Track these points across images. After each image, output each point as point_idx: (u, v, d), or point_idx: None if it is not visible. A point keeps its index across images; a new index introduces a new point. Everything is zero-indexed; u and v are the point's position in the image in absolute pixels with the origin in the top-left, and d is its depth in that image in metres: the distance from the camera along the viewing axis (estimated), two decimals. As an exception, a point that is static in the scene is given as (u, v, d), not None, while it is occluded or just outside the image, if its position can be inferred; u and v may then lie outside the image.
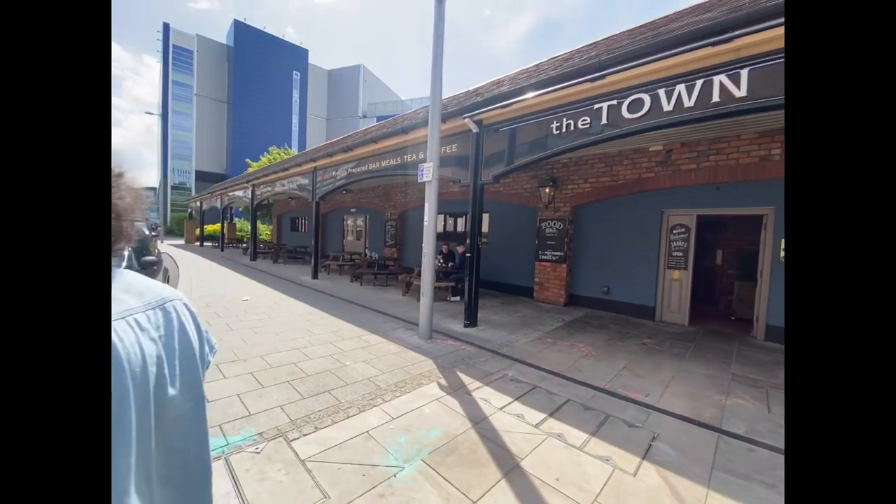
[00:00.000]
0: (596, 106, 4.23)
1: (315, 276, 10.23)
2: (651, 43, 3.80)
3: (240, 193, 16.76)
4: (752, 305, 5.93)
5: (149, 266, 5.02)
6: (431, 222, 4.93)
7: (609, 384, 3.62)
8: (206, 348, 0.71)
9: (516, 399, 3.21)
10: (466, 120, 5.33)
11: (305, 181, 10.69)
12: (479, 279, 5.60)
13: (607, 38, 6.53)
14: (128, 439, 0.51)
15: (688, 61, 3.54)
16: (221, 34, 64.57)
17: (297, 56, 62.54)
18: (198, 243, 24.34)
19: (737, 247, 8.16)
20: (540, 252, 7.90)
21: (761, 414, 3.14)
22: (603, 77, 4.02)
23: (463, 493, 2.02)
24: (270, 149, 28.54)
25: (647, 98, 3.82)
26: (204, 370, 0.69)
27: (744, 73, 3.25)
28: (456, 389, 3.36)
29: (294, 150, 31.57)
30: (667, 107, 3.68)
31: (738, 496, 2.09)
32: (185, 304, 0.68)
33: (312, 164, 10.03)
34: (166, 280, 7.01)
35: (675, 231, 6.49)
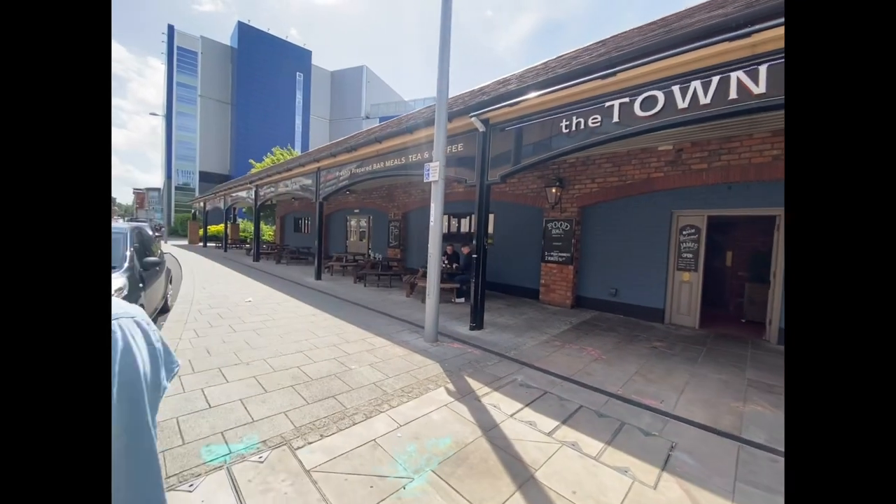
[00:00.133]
0: (607, 104, 4.12)
1: (318, 276, 10.16)
2: (664, 39, 3.70)
3: (243, 194, 16.73)
4: (764, 308, 5.80)
5: (151, 267, 4.96)
6: (437, 223, 4.83)
7: (622, 390, 3.51)
8: (163, 371, 0.62)
9: (527, 405, 3.11)
10: (473, 119, 5.23)
11: (309, 182, 10.63)
12: (485, 280, 5.50)
13: (616, 36, 6.43)
14: None
15: (703, 57, 3.43)
16: (225, 36, 64.94)
17: (300, 57, 62.59)
18: (201, 244, 24.38)
19: (747, 248, 8.02)
20: (546, 253, 7.80)
21: (780, 421, 3.02)
22: (614, 74, 3.92)
23: (476, 507, 1.92)
24: (274, 149, 28.55)
25: (660, 95, 3.71)
26: (156, 394, 0.60)
27: (762, 69, 3.15)
28: (464, 395, 3.27)
29: (297, 151, 31.51)
30: (682, 104, 3.57)
31: (766, 511, 1.99)
32: (136, 322, 0.60)
33: (316, 165, 9.96)
34: (169, 281, 6.96)
35: (684, 232, 6.36)
